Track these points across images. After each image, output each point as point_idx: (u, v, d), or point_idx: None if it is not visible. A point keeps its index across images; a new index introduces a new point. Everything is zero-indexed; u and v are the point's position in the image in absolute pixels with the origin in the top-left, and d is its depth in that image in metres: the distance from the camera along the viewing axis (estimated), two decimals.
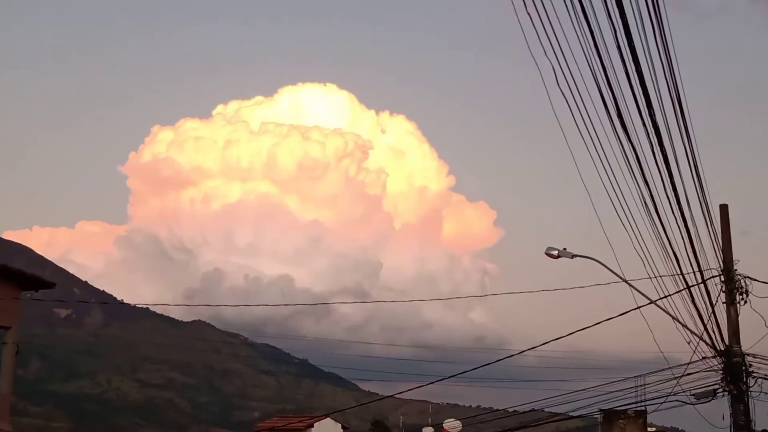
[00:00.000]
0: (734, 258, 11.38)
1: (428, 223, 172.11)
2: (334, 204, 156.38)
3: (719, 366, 11.53)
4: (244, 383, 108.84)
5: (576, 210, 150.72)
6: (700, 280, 10.45)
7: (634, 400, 14.39)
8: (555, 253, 11.29)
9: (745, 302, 11.21)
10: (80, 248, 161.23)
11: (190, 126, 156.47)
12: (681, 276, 9.91)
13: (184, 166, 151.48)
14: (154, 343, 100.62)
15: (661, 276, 9.99)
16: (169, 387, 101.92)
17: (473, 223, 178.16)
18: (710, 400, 11.92)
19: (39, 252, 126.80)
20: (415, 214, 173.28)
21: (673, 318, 10.71)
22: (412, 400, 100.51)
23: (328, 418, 30.71)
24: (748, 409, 11.78)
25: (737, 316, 11.32)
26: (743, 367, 11.52)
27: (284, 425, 29.36)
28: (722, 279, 11.31)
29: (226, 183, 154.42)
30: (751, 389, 11.77)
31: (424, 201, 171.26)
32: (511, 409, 18.94)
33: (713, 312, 10.97)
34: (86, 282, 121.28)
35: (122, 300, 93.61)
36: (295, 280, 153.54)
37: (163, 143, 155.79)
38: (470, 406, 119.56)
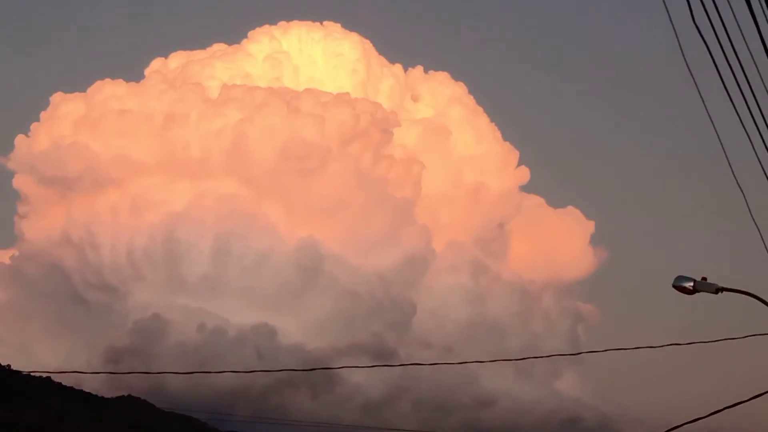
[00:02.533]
0: None
1: (487, 242, 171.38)
2: (339, 213, 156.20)
3: None
4: None
5: (720, 218, 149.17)
6: None
7: None
8: (690, 285, 11.25)
9: None
10: None
11: (110, 92, 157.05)
12: None
13: (102, 155, 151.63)
14: None
15: None
16: None
17: (559, 242, 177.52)
18: None
19: None
20: (467, 227, 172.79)
21: None
22: None
23: None
24: None
25: None
26: None
27: None
28: None
29: (169, 182, 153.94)
30: None
31: (480, 207, 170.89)
32: None
33: None
34: None
35: (9, 366, 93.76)
36: (279, 333, 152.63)
37: (68, 121, 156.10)
38: None
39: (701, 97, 6.53)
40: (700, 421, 10.51)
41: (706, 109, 6.66)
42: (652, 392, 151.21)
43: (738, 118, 6.77)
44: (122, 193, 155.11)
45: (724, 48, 5.82)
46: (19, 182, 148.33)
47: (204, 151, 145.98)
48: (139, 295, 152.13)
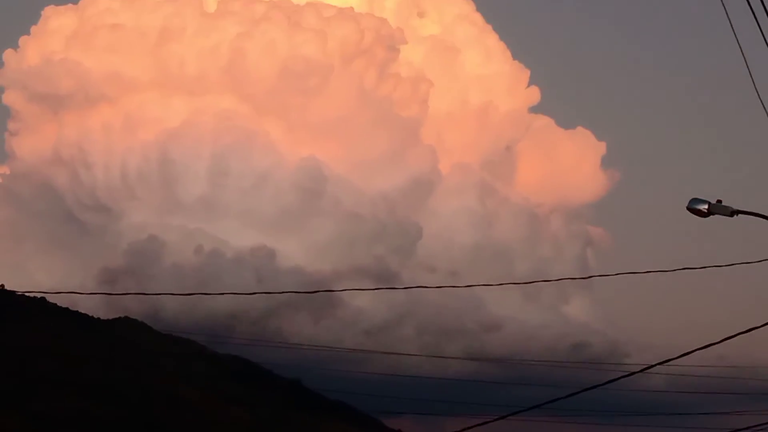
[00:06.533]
0: None
1: (495, 164, 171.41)
2: (342, 132, 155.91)
3: None
4: (199, 417, 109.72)
5: (737, 140, 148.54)
6: None
7: None
8: (704, 208, 11.30)
9: None
10: None
11: (103, 6, 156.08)
12: None
13: (94, 71, 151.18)
14: (55, 354, 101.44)
15: None
16: (79, 424, 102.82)
17: (568, 164, 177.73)
18: None
19: None
20: (475, 148, 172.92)
21: None
22: None
23: None
24: None
25: None
26: None
27: None
28: None
29: (164, 98, 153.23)
30: None
31: (488, 128, 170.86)
32: None
33: None
34: None
35: (3, 286, 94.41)
36: (279, 255, 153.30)
37: (59, 35, 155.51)
38: None
39: (726, 11, 6.67)
40: (710, 348, 10.69)
41: (729, 21, 6.79)
42: (663, 318, 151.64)
43: (762, 36, 6.90)
44: (115, 110, 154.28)
45: None
46: (8, 98, 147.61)
47: (200, 67, 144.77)
48: (134, 215, 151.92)
